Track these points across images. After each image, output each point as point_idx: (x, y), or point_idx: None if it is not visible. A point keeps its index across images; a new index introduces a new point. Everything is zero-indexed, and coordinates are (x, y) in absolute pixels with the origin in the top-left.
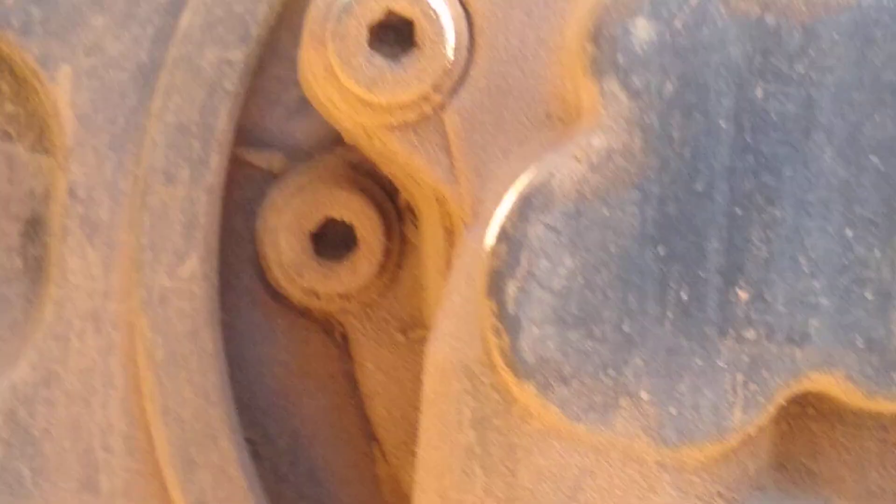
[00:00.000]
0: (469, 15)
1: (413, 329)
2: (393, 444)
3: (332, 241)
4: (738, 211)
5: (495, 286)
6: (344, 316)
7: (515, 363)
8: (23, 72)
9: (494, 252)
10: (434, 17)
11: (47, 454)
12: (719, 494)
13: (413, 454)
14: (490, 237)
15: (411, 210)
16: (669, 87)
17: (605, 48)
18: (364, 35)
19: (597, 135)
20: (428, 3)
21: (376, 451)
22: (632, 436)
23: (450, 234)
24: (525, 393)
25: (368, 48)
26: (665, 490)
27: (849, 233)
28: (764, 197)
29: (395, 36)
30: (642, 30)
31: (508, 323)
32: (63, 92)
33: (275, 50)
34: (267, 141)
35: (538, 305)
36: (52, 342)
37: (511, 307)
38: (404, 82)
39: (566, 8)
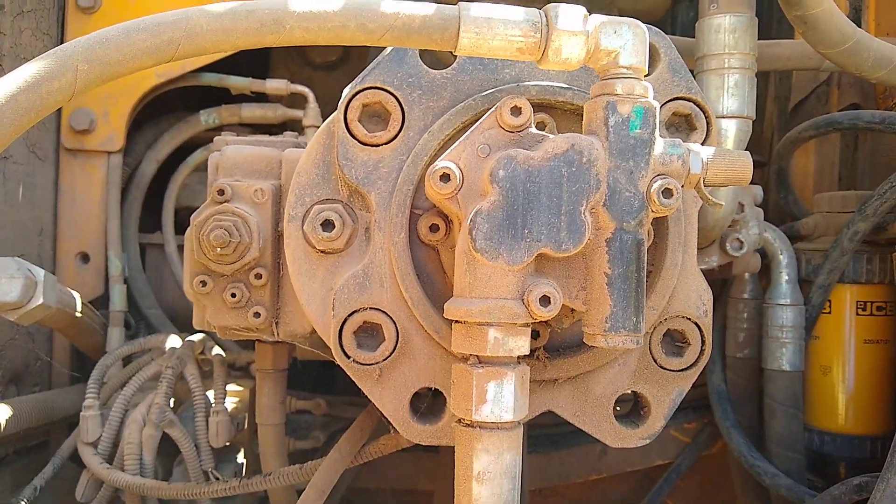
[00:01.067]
0: (462, 171)
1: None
2: None
3: None
4: (525, 213)
5: (470, 232)
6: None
7: (475, 248)
8: None
9: (468, 223)
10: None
11: None
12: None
13: None
14: (467, 220)
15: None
16: (508, 185)
17: (492, 177)
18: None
19: (491, 196)
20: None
21: None
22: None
23: (459, 225)
24: (479, 256)
25: (441, 182)
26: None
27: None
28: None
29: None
30: (501, 172)
31: (472, 239)
32: None
33: None
34: None
35: (480, 233)
36: None
37: (473, 235)
38: (447, 190)
39: (484, 167)
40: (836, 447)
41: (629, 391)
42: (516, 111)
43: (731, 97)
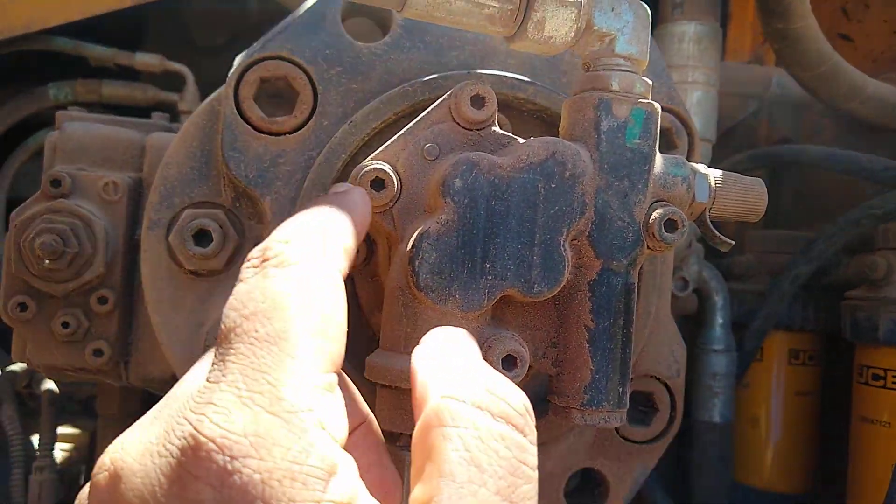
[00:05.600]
0: (400, 177)
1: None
2: None
3: None
4: (488, 240)
5: (411, 262)
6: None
7: (418, 284)
8: None
9: (410, 250)
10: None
11: None
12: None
13: None
14: (408, 245)
15: (375, 241)
16: (466, 201)
17: (445, 189)
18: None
19: (443, 214)
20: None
21: None
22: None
23: (389, 250)
24: (422, 296)
25: (372, 189)
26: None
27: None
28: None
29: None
30: (458, 181)
31: (413, 272)
32: None
33: None
34: None
35: (425, 265)
36: None
37: (416, 267)
38: (380, 200)
39: (432, 173)
40: None
41: (583, 467)
42: (478, 102)
43: (692, 116)
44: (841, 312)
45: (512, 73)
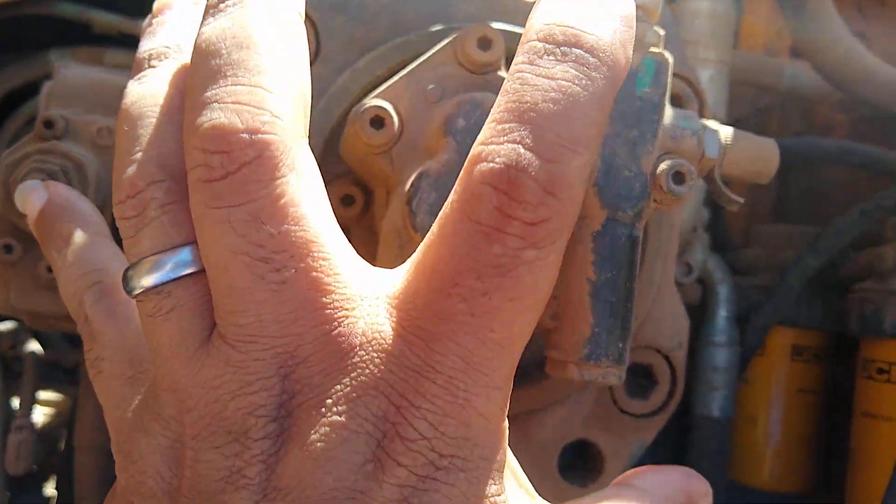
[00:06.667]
0: (401, 118)
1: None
2: None
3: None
4: None
5: (409, 202)
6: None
7: (415, 225)
8: None
9: (408, 190)
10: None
11: None
12: None
13: None
14: (406, 186)
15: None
16: (469, 141)
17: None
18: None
19: (444, 153)
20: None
21: None
22: None
23: (388, 195)
24: (419, 237)
25: (370, 127)
26: None
27: None
28: None
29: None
30: (461, 121)
31: (411, 212)
32: None
33: None
34: None
35: (423, 205)
36: None
37: (413, 207)
38: (378, 139)
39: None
40: None
41: (578, 439)
42: (485, 43)
43: None
44: (847, 306)
45: (520, 27)
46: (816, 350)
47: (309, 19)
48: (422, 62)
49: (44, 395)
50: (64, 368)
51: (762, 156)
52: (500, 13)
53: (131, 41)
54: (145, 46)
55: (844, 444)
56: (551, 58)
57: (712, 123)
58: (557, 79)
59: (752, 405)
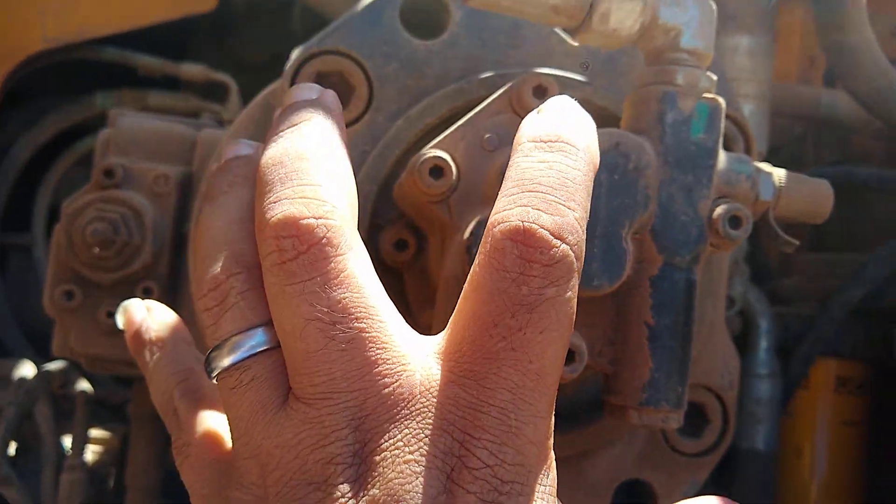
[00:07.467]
0: (458, 166)
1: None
2: None
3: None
4: None
5: (468, 250)
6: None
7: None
8: None
9: (467, 238)
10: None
11: None
12: None
13: None
14: (465, 234)
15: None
16: None
17: None
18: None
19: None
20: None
21: None
22: None
23: (443, 243)
24: None
25: (430, 177)
26: None
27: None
28: None
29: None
30: None
31: (471, 260)
32: None
33: None
34: None
35: None
36: None
37: (473, 254)
38: (437, 189)
39: (492, 164)
40: None
41: (632, 478)
42: (540, 92)
43: None
44: (891, 336)
45: (570, 73)
46: (860, 381)
47: (362, 67)
48: (478, 111)
49: (92, 432)
50: (111, 406)
51: (816, 197)
52: (549, 58)
53: (174, 83)
54: None
55: (891, 476)
56: (542, 150)
57: (765, 166)
58: (549, 161)
59: (796, 438)
